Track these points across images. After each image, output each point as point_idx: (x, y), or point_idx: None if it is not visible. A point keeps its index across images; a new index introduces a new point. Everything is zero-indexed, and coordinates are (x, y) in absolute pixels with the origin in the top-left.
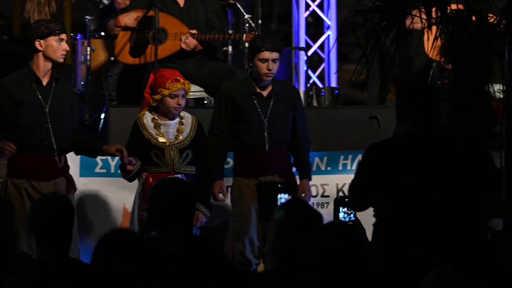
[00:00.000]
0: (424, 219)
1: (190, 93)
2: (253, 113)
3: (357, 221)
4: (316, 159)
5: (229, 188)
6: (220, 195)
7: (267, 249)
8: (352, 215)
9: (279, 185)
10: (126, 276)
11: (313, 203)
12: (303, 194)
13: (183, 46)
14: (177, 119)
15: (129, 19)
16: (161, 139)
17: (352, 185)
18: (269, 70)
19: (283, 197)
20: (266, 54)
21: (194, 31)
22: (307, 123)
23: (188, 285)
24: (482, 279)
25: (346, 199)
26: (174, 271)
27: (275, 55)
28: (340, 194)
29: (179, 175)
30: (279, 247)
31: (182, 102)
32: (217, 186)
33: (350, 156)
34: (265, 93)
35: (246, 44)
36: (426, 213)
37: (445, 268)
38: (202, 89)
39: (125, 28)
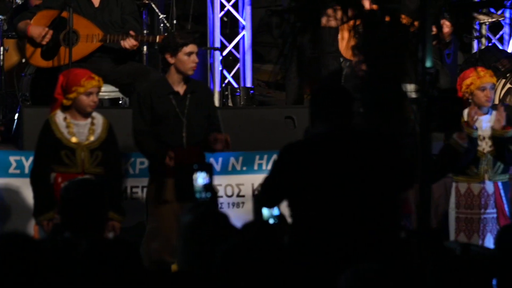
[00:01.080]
0: (338, 219)
1: (105, 93)
2: (171, 112)
3: (281, 216)
4: (232, 159)
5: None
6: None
7: (178, 251)
8: (275, 210)
9: (195, 166)
10: (18, 281)
11: (228, 203)
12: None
13: (126, 46)
14: (89, 120)
15: (36, 32)
16: (73, 139)
17: (264, 183)
18: (194, 63)
19: (199, 176)
20: (191, 47)
21: (132, 32)
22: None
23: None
24: (394, 278)
25: None
26: (81, 274)
27: (197, 48)
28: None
29: (89, 176)
30: (188, 249)
31: (97, 99)
32: (166, 154)
33: (265, 156)
34: (181, 91)
35: None
36: (340, 213)
37: (360, 267)
38: (116, 89)
39: (30, 40)
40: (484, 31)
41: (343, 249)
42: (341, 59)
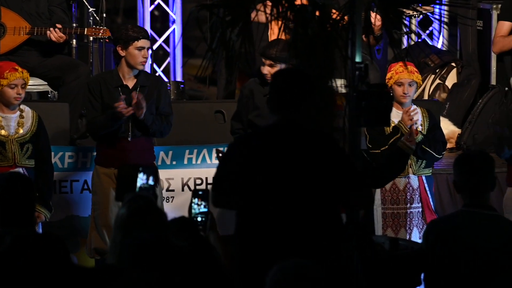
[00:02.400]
0: (276, 216)
1: (33, 87)
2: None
3: (208, 213)
4: (161, 154)
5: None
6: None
7: (110, 244)
8: (203, 206)
9: (140, 168)
10: None
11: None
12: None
13: (53, 38)
14: (18, 113)
15: None
16: (2, 132)
17: (214, 177)
18: (144, 58)
19: (142, 179)
20: (143, 42)
21: (59, 25)
22: (173, 114)
23: (20, 282)
24: (323, 274)
25: (200, 192)
26: (5, 268)
27: (149, 43)
28: (186, 188)
29: (20, 169)
30: (119, 243)
31: (22, 92)
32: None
33: (195, 151)
34: (130, 84)
35: (91, 38)
36: (278, 210)
37: (286, 262)
38: (45, 83)
39: None
40: (414, 27)
41: (278, 245)
42: None
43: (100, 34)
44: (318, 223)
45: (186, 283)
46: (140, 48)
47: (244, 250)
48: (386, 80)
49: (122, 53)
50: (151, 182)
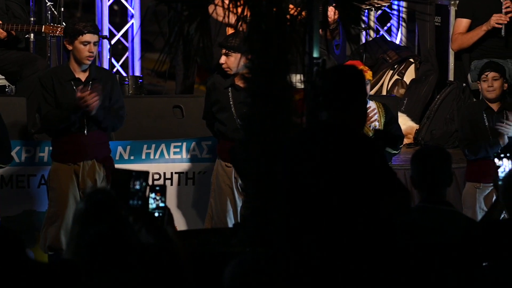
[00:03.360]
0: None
1: None
2: (72, 99)
3: (165, 208)
4: (119, 148)
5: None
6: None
7: (67, 238)
8: (160, 202)
9: (133, 173)
10: None
11: None
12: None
13: None
14: None
15: None
16: None
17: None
18: (90, 52)
19: (137, 184)
20: (88, 37)
21: None
22: (124, 107)
23: None
24: (280, 267)
25: (157, 187)
26: None
27: (95, 37)
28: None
29: None
30: (76, 237)
31: None
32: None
33: (153, 146)
34: (83, 78)
35: None
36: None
37: (244, 256)
38: (3, 77)
39: None
40: (372, 23)
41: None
42: None
43: (58, 32)
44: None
45: (146, 278)
46: (86, 43)
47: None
48: None
49: (69, 47)
50: (144, 185)
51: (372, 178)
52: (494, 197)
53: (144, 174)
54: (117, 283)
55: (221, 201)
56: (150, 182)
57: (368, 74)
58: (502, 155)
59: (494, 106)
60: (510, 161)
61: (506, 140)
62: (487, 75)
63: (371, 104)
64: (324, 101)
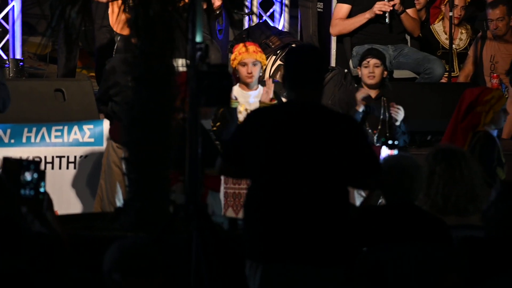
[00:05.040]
0: (283, 189)
1: None
2: None
3: (45, 193)
4: None
5: None
6: None
7: None
8: (41, 188)
9: (24, 163)
10: None
11: None
12: None
13: None
14: None
15: None
16: None
17: (223, 147)
18: None
19: (28, 174)
20: None
21: None
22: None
23: None
24: (160, 252)
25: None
26: None
27: None
28: None
29: None
30: None
31: None
32: None
33: (34, 129)
34: None
35: None
36: (286, 183)
37: (125, 240)
38: None
39: None
40: (255, 8)
41: (281, 218)
42: (114, 33)
43: None
44: (326, 201)
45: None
46: None
47: (249, 218)
48: (231, 62)
49: None
50: (35, 176)
51: (347, 154)
52: None
53: (35, 164)
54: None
55: (111, 183)
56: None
57: (260, 56)
58: (386, 143)
59: (373, 93)
60: (387, 148)
61: (362, 107)
62: (368, 62)
63: (261, 87)
64: (293, 81)
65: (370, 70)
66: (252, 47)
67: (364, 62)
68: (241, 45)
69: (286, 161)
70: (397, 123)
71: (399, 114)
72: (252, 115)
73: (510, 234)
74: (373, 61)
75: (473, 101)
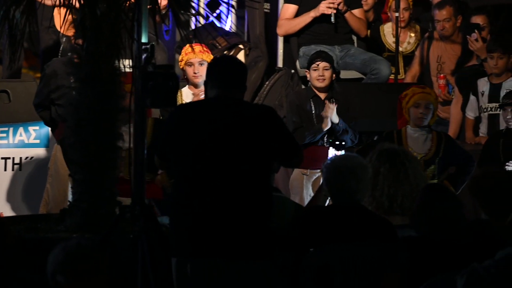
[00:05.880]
0: (198, 182)
1: None
2: None
3: None
4: None
5: None
6: None
7: None
8: None
9: None
10: None
11: None
12: None
13: None
14: None
15: None
16: None
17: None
18: None
19: None
20: None
21: None
22: None
23: None
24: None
25: None
26: None
27: None
28: None
29: None
30: None
31: None
32: None
33: None
34: None
35: None
36: (210, 175)
37: (69, 242)
38: None
39: None
40: (202, 9)
41: (205, 210)
42: (60, 34)
43: None
44: (248, 191)
45: None
46: None
47: (174, 215)
48: (179, 63)
49: None
50: None
51: (267, 142)
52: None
53: None
54: None
55: (58, 187)
56: None
57: (206, 56)
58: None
59: (322, 95)
60: (334, 149)
61: (329, 124)
62: (318, 65)
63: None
64: (217, 81)
65: (319, 73)
66: (198, 47)
67: (314, 65)
68: (187, 46)
69: (207, 155)
70: (335, 121)
71: (329, 112)
72: (176, 111)
73: (438, 234)
74: (322, 64)
75: (400, 98)
